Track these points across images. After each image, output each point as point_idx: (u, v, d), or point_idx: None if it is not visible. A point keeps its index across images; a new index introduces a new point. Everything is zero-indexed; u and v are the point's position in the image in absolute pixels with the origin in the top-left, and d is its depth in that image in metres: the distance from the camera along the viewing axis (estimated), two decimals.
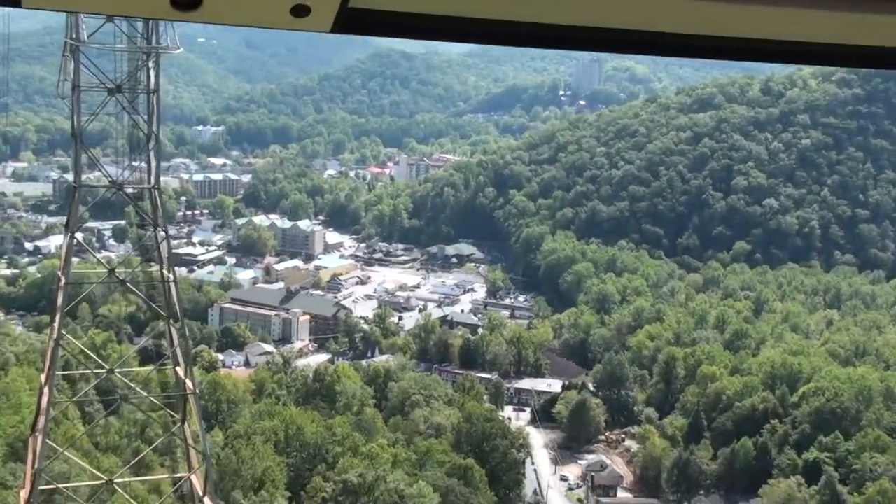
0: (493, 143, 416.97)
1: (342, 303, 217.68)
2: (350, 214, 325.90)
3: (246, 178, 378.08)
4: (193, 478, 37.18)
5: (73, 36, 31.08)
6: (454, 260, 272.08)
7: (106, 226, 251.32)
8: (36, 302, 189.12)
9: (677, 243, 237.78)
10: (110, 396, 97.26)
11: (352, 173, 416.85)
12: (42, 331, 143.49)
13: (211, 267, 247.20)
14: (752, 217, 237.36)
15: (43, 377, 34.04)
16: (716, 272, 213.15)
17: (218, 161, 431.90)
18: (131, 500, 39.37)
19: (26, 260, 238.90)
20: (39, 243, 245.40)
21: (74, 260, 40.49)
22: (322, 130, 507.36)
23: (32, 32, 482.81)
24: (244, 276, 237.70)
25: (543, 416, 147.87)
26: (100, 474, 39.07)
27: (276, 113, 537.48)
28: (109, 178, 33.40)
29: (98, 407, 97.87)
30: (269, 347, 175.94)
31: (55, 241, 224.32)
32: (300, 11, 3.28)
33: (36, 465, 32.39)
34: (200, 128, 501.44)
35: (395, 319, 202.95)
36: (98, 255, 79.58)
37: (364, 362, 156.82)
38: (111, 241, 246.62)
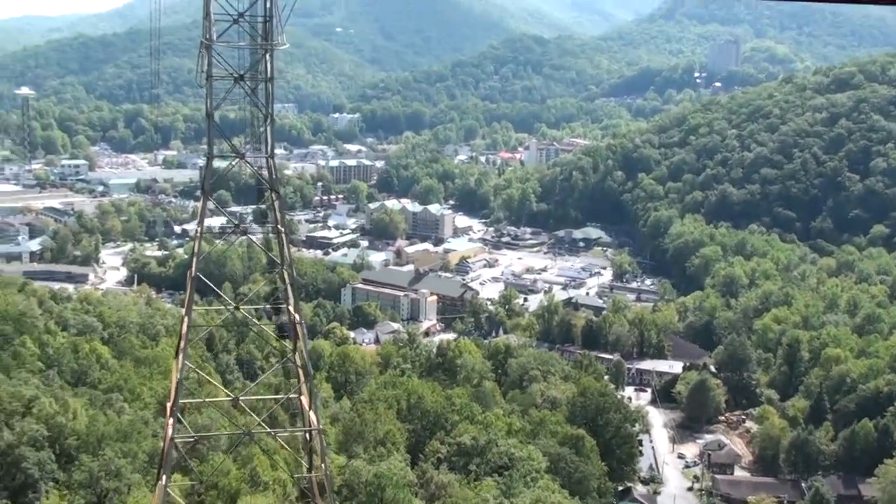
0: (623, 127, 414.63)
1: (469, 284, 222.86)
2: (479, 199, 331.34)
3: (379, 163, 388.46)
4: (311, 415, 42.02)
5: (207, 36, 37.68)
6: (581, 244, 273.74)
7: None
8: (185, 281, 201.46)
9: (811, 227, 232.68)
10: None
11: (482, 158, 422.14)
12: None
13: (345, 249, 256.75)
14: (890, 200, 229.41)
15: (184, 309, 40.22)
16: (850, 256, 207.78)
17: (353, 147, 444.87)
18: (255, 416, 44.97)
19: (175, 242, 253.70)
20: (187, 226, 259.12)
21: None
22: (454, 116, 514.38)
23: (182, 27, 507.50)
24: (376, 258, 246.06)
25: (664, 396, 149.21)
26: (227, 392, 45.36)
27: (410, 100, 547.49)
28: (235, 150, 39.45)
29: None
30: (398, 326, 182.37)
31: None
32: None
33: (179, 376, 38.83)
34: (337, 115, 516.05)
35: (521, 301, 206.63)
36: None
37: (486, 340, 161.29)
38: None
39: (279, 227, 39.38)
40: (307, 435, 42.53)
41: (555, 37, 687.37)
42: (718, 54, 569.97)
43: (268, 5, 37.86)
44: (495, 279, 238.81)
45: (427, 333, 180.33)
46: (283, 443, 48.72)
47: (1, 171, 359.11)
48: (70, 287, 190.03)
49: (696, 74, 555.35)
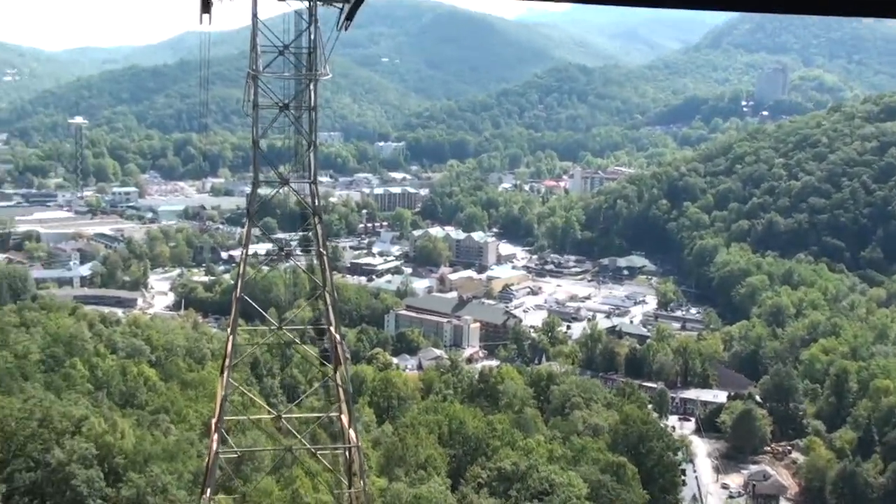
0: (669, 156, 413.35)
1: (513, 312, 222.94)
2: (523, 226, 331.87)
3: (424, 191, 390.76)
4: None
5: (254, 67, 39.47)
6: (626, 272, 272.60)
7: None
8: (230, 306, 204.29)
9: (860, 256, 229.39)
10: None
11: (526, 187, 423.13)
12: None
13: (389, 276, 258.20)
14: None
15: (229, 327, 41.46)
16: None
17: (398, 175, 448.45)
18: (293, 431, 45.85)
19: (222, 268, 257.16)
20: (234, 252, 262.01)
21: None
22: (498, 145, 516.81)
23: (231, 57, 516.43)
24: (419, 284, 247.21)
25: (708, 425, 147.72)
26: (270, 409, 46.36)
27: (455, 129, 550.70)
28: (279, 176, 40.79)
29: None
30: (441, 352, 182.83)
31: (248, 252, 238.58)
32: None
33: (223, 393, 40.02)
34: (382, 144, 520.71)
35: (564, 329, 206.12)
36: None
37: (529, 367, 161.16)
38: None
39: (321, 250, 40.50)
40: (347, 454, 43.28)
41: (600, 66, 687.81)
42: (766, 83, 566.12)
43: (312, 37, 39.15)
44: (539, 307, 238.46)
45: (470, 360, 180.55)
46: (324, 461, 49.40)
47: (54, 198, 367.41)
48: (119, 311, 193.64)
49: (743, 103, 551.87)
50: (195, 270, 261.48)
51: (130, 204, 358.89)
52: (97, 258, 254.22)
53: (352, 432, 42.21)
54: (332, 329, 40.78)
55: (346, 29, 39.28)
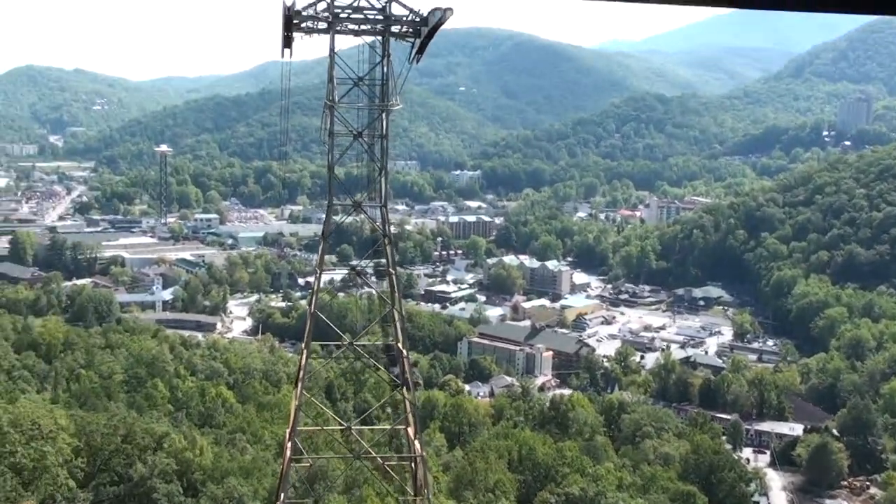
0: (747, 186, 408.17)
1: (586, 341, 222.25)
2: (598, 255, 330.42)
3: (498, 220, 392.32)
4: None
5: (330, 98, 42.14)
6: (701, 302, 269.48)
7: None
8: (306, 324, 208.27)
9: None
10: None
11: (602, 216, 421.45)
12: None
13: (462, 304, 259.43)
14: None
15: (303, 344, 43.67)
16: None
17: (473, 204, 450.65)
18: (365, 444, 47.55)
19: (298, 294, 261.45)
20: (311, 279, 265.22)
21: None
22: (574, 174, 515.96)
23: (311, 87, 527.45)
24: (493, 312, 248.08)
25: (783, 458, 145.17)
26: (340, 421, 48.37)
27: (530, 157, 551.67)
28: (352, 200, 43.03)
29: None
30: (513, 380, 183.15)
31: (324, 278, 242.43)
32: None
33: (297, 402, 42.24)
34: (458, 172, 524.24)
35: (637, 358, 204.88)
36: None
37: (600, 396, 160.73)
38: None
39: (390, 270, 42.46)
40: (412, 465, 44.93)
41: (678, 95, 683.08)
42: (848, 112, 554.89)
43: (384, 70, 41.34)
44: (612, 336, 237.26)
45: (542, 388, 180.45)
46: (390, 472, 51.12)
47: (139, 224, 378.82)
48: (199, 335, 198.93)
49: (825, 133, 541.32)
50: (273, 296, 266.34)
51: (211, 230, 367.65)
52: (179, 283, 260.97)
53: (417, 443, 43.91)
54: (400, 345, 42.67)
55: (417, 62, 41.41)
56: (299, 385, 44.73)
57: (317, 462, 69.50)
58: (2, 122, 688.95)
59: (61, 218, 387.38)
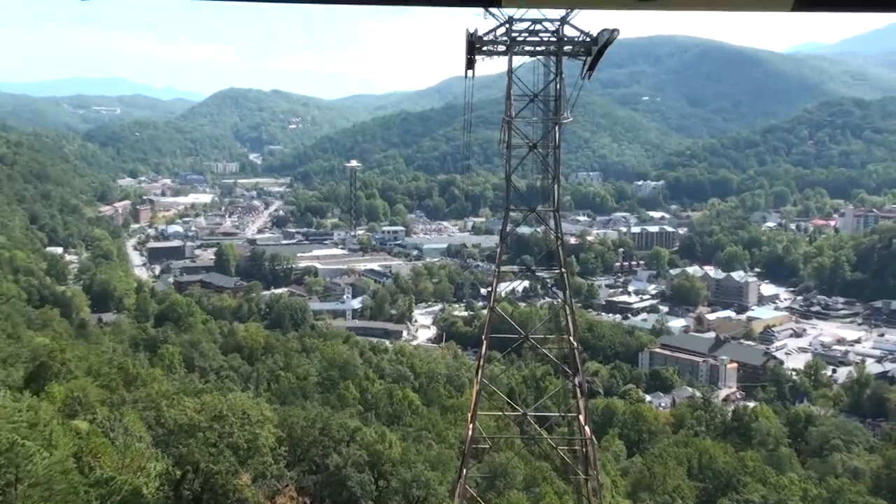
0: None
1: (773, 353, 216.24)
2: (787, 266, 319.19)
3: (682, 230, 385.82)
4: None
5: (508, 113, 46.29)
6: None
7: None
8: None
9: None
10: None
11: (792, 226, 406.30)
12: (491, 361, 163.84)
13: (644, 315, 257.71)
14: None
15: (484, 333, 47.40)
16: None
17: (656, 214, 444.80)
18: (539, 428, 50.77)
19: (480, 304, 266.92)
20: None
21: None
22: (763, 183, 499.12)
23: (492, 101, 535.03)
24: (675, 324, 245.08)
25: None
26: (517, 407, 51.93)
27: (716, 167, 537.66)
28: (530, 207, 46.61)
29: None
30: (696, 391, 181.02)
31: (505, 287, 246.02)
32: None
33: (478, 387, 46.06)
34: (640, 183, 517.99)
35: (829, 372, 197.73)
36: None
37: (786, 408, 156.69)
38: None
39: (562, 269, 45.59)
40: (583, 450, 47.79)
41: (878, 98, 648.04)
42: None
43: (557, 87, 44.70)
44: (802, 349, 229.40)
45: (726, 400, 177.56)
46: (563, 455, 54.01)
47: (330, 236, 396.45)
48: (386, 342, 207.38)
49: None
50: (456, 305, 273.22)
51: (398, 242, 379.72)
52: (367, 292, 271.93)
53: (587, 428, 46.81)
54: (571, 337, 45.88)
55: (588, 78, 44.48)
56: (479, 372, 48.76)
57: (495, 451, 73.35)
58: (208, 141, 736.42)
59: (260, 231, 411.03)
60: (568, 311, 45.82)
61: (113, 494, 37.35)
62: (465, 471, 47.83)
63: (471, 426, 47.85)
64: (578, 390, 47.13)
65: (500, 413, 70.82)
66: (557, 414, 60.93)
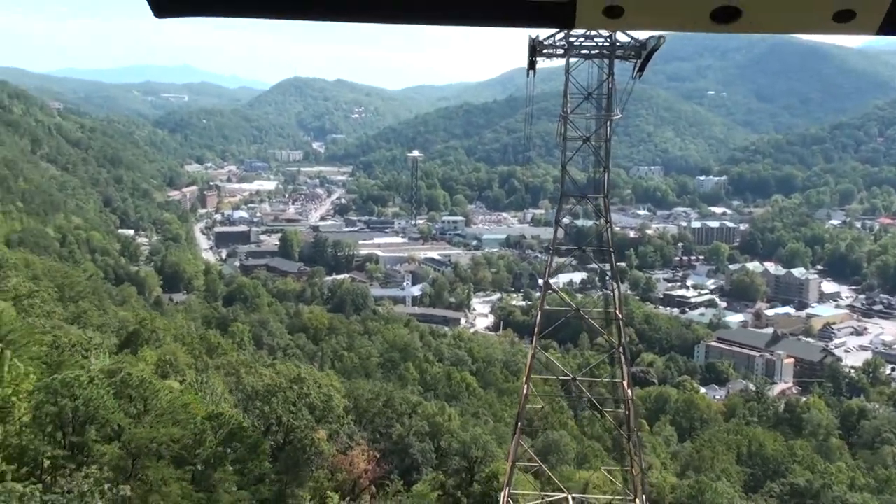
0: None
1: (832, 350, 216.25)
2: (850, 264, 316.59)
3: (743, 226, 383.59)
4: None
5: (564, 109, 50.52)
6: None
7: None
8: (544, 328, 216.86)
9: None
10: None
11: (857, 224, 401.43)
12: (547, 349, 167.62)
13: (702, 309, 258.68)
14: None
15: (538, 307, 51.83)
16: None
17: (718, 210, 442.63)
18: (590, 396, 55.12)
19: (538, 294, 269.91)
20: (552, 280, 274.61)
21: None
22: (829, 180, 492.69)
23: (553, 94, 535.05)
24: (733, 319, 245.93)
25: None
26: (567, 372, 56.48)
27: (782, 163, 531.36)
28: (582, 193, 50.82)
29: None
30: (751, 385, 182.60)
31: (563, 279, 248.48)
32: (844, 16, 2.77)
33: (533, 351, 50.58)
34: (703, 178, 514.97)
35: (888, 370, 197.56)
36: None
37: (840, 402, 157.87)
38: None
39: (610, 249, 49.83)
40: (625, 411, 51.99)
41: None
42: None
43: (609, 87, 48.83)
44: (863, 347, 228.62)
45: (781, 394, 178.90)
46: (608, 418, 58.05)
47: (391, 224, 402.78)
48: (445, 328, 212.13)
49: None
50: (513, 295, 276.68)
51: (457, 232, 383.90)
52: (427, 280, 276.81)
53: (629, 391, 50.91)
54: (616, 311, 50.08)
55: (639, 78, 48.43)
56: (535, 339, 53.27)
57: (549, 428, 77.57)
58: (273, 130, 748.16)
59: (323, 218, 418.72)
60: (613, 286, 50.08)
61: (223, 426, 43.79)
62: (518, 424, 52.31)
63: (525, 387, 52.51)
64: (623, 357, 51.40)
65: (553, 377, 74.96)
66: (601, 380, 65.21)
